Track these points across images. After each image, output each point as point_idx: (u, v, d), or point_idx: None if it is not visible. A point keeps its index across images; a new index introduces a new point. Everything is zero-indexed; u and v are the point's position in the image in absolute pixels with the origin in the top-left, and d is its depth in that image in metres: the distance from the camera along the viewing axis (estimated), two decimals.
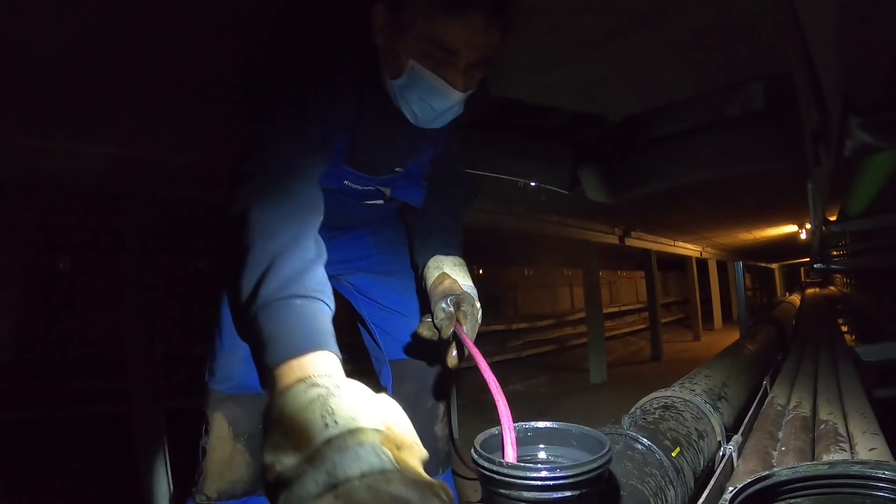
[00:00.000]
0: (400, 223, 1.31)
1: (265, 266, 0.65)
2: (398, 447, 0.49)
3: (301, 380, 0.54)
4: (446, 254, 1.01)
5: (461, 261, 1.01)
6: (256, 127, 0.84)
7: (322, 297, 0.66)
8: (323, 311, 0.65)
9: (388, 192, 1.09)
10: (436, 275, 0.97)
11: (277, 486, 0.48)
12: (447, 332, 0.84)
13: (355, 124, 0.94)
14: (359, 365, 1.29)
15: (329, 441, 0.47)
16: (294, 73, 0.86)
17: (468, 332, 0.85)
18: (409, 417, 1.37)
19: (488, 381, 0.67)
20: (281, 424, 0.51)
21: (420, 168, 1.09)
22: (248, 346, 0.66)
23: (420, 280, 1.02)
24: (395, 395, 1.24)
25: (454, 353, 0.86)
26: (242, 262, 0.67)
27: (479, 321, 0.90)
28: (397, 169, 1.06)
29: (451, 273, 0.96)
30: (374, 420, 0.50)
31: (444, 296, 0.89)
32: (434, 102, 0.87)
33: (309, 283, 0.66)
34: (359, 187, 1.05)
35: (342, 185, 1.04)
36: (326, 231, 1.18)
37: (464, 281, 0.95)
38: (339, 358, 0.60)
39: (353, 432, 0.47)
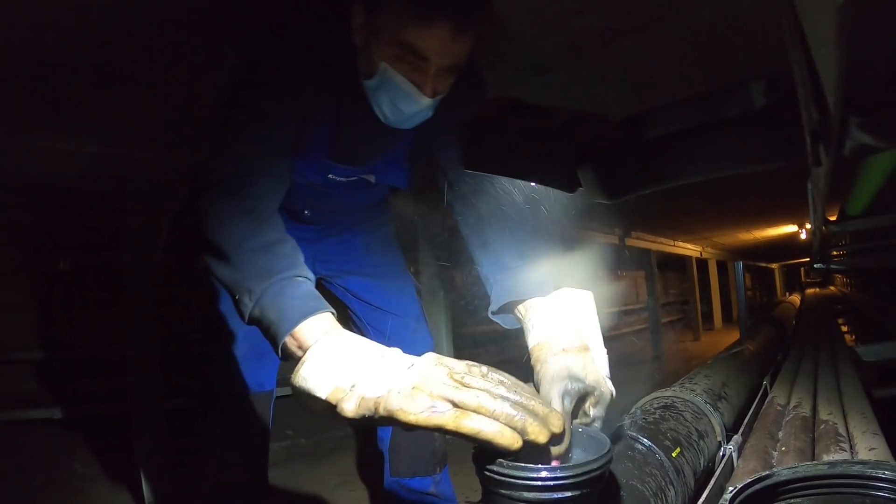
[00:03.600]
0: (390, 221, 1.34)
1: (246, 261, 0.70)
2: None
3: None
4: (544, 289, 0.78)
5: (578, 295, 0.75)
6: (226, 125, 0.85)
7: (299, 272, 0.70)
8: (306, 284, 0.70)
9: (372, 178, 1.10)
10: (544, 338, 0.73)
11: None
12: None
13: (337, 120, 0.95)
14: None
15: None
16: (271, 72, 0.85)
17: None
18: None
19: None
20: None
21: (402, 152, 1.09)
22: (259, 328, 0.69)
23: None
24: None
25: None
26: (225, 259, 0.72)
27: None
28: (376, 160, 1.07)
29: (570, 337, 0.70)
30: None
31: (563, 381, 0.65)
32: (403, 105, 0.87)
33: (284, 263, 0.70)
34: (343, 178, 1.06)
35: (327, 179, 1.04)
36: (315, 232, 1.19)
37: (594, 346, 0.71)
38: (333, 313, 0.67)
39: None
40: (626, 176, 0.42)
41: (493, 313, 0.88)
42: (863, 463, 0.60)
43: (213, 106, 1.45)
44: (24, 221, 2.37)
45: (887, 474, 0.55)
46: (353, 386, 0.56)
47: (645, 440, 0.80)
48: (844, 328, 3.64)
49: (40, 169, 1.71)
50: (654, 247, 5.99)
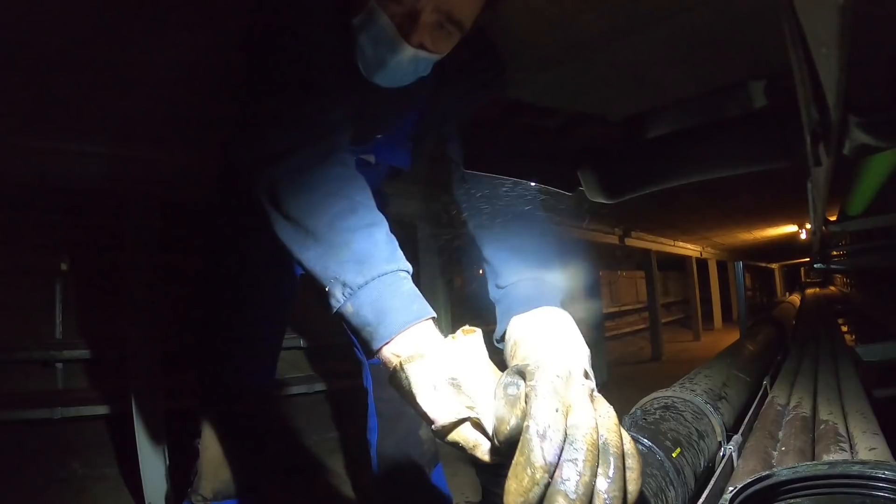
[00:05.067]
0: (388, 216, 1.31)
1: (339, 250, 0.61)
2: None
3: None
4: (527, 307, 0.71)
5: (558, 313, 0.68)
6: (269, 94, 0.77)
7: (401, 265, 0.63)
8: (408, 280, 0.63)
9: (372, 158, 1.03)
10: (509, 347, 0.69)
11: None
12: (506, 436, 0.45)
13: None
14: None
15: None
16: (288, 47, 0.78)
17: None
18: (394, 422, 1.36)
19: None
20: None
21: (406, 130, 1.02)
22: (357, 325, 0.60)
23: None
24: (378, 401, 1.24)
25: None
26: (311, 239, 0.62)
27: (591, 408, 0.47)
28: (378, 136, 1.00)
29: (529, 337, 0.65)
30: None
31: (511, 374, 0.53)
32: (383, 51, 0.78)
33: (384, 253, 0.62)
34: None
35: None
36: None
37: (552, 343, 0.63)
38: (434, 317, 0.60)
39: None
40: (626, 176, 0.42)
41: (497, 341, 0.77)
42: (863, 463, 0.60)
43: (214, 105, 1.46)
44: (24, 221, 2.37)
45: (887, 474, 0.55)
46: (460, 416, 0.50)
47: (645, 440, 0.80)
48: (844, 328, 3.63)
49: (41, 169, 1.71)
50: (654, 247, 6.00)
